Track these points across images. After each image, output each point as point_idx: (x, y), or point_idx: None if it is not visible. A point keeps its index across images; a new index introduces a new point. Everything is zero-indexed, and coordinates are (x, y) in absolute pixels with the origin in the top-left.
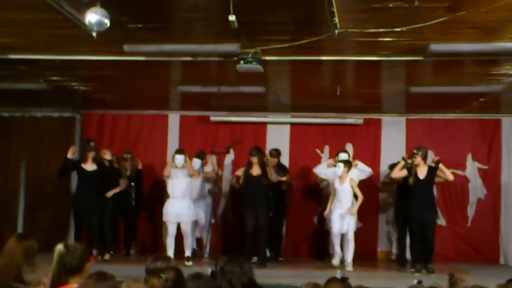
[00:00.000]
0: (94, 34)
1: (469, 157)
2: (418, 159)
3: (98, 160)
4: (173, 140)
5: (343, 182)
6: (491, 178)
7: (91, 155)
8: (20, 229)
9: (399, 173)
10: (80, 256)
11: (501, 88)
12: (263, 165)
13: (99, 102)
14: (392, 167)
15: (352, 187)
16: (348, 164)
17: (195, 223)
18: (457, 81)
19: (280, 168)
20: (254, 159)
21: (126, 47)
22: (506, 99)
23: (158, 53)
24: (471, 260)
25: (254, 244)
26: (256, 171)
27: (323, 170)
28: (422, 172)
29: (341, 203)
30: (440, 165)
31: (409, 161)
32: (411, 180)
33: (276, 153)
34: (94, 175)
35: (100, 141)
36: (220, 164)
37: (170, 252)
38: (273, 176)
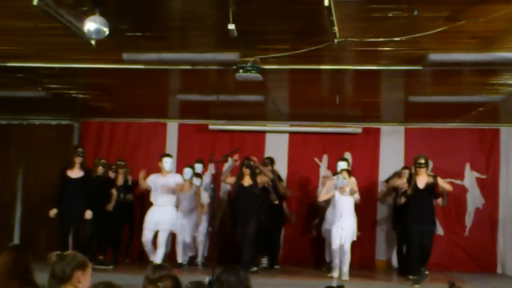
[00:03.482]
0: (93, 42)
1: (467, 166)
2: (423, 170)
3: (85, 167)
4: (171, 148)
5: (344, 191)
6: (489, 187)
7: (78, 161)
8: (17, 237)
9: (400, 181)
10: (68, 264)
11: (499, 98)
12: (254, 177)
13: (98, 110)
14: (388, 180)
15: (352, 195)
16: (349, 173)
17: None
18: (456, 90)
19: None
20: (246, 171)
21: (125, 56)
22: (505, 108)
23: (157, 61)
24: (468, 270)
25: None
26: (247, 182)
27: (326, 196)
28: (421, 181)
29: (341, 214)
30: (438, 179)
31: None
32: (409, 191)
33: (269, 161)
34: (80, 182)
35: (99, 149)
36: (218, 172)
37: (152, 257)
38: (266, 180)
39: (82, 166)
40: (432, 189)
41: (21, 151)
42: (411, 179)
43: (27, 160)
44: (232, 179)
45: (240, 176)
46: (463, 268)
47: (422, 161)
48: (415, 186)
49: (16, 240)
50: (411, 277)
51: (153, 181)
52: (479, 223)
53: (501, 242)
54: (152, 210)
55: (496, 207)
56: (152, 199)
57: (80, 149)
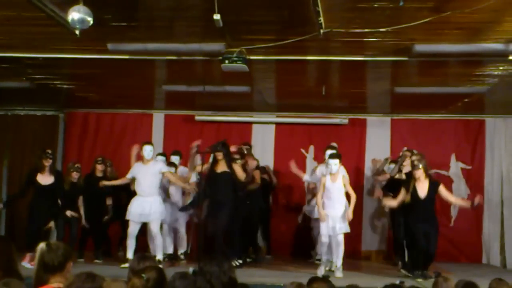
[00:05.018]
0: (77, 32)
1: (453, 157)
2: (420, 172)
3: (56, 171)
4: (157, 139)
5: (336, 179)
6: (474, 178)
7: (47, 163)
8: (2, 228)
9: (399, 200)
10: (62, 255)
11: (485, 89)
12: (229, 162)
13: (83, 101)
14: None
15: (344, 185)
16: (340, 158)
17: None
18: (442, 81)
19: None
20: (220, 155)
21: (110, 46)
22: (490, 99)
23: (142, 51)
24: (453, 260)
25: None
26: (221, 168)
27: (309, 178)
28: (422, 189)
29: (333, 203)
30: (440, 189)
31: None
32: (408, 199)
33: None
34: (50, 189)
35: (84, 140)
36: (203, 163)
37: (130, 254)
38: (241, 175)
39: (52, 170)
40: (433, 197)
41: (6, 142)
42: (408, 184)
43: (12, 151)
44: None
45: (213, 162)
46: (448, 258)
47: (415, 162)
48: (416, 195)
49: (1, 232)
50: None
51: (136, 169)
52: (464, 213)
53: (486, 232)
54: (136, 200)
55: (481, 197)
56: (136, 188)
57: (49, 151)
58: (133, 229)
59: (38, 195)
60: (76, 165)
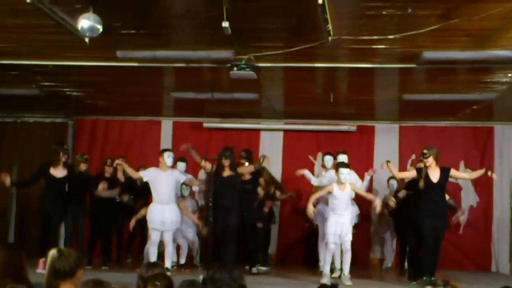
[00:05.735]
0: (86, 40)
1: (461, 164)
2: (430, 160)
3: (69, 165)
4: (165, 146)
5: (344, 188)
6: (483, 186)
7: (63, 158)
8: (11, 235)
9: (407, 173)
10: (74, 261)
11: (493, 96)
12: (234, 169)
13: (92, 108)
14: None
15: (353, 191)
16: (348, 166)
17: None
18: (450, 88)
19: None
20: (226, 162)
21: (119, 53)
22: (499, 107)
23: (151, 59)
24: (462, 267)
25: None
26: (227, 173)
27: (316, 181)
28: (434, 175)
29: (339, 211)
30: (452, 172)
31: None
32: (421, 184)
33: (246, 154)
34: (63, 181)
35: (93, 147)
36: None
37: (168, 263)
38: (248, 170)
39: (66, 164)
40: (445, 183)
41: (15, 149)
42: (420, 172)
43: (21, 158)
44: (208, 165)
45: (220, 168)
46: (457, 266)
47: (425, 151)
48: (428, 179)
49: (11, 239)
50: (425, 278)
51: (153, 175)
52: (473, 221)
53: (495, 240)
54: (155, 208)
55: (490, 205)
56: (154, 195)
57: (66, 146)
58: (156, 237)
59: (51, 188)
60: (84, 157)
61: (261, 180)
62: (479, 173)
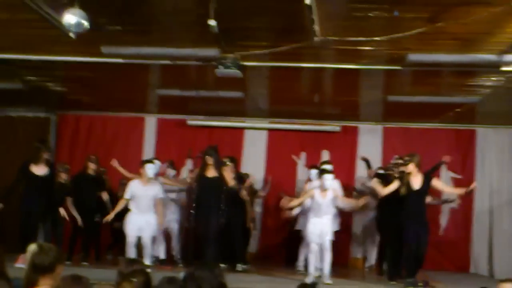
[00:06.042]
0: (72, 35)
1: (443, 166)
2: (411, 167)
3: (50, 163)
4: (149, 143)
5: (326, 194)
6: (464, 188)
7: (45, 156)
8: None
9: (391, 187)
10: (54, 257)
11: (477, 99)
12: (219, 168)
13: (76, 103)
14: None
15: (336, 198)
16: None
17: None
18: (434, 91)
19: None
20: (210, 160)
21: (104, 49)
22: (482, 110)
23: (136, 55)
24: (442, 269)
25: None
26: (211, 173)
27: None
28: (416, 182)
29: (320, 214)
30: (434, 183)
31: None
32: (403, 190)
33: (230, 160)
34: (44, 179)
35: (76, 142)
36: (195, 168)
37: (148, 261)
38: (229, 180)
39: (48, 162)
40: (427, 190)
41: None
42: (402, 178)
43: (3, 152)
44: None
45: (203, 167)
46: (437, 267)
47: (407, 157)
48: (409, 186)
49: None
50: (408, 280)
51: (134, 189)
52: (453, 222)
53: (475, 241)
54: (133, 217)
55: (470, 207)
56: (131, 207)
57: (49, 144)
58: (132, 241)
59: (32, 185)
60: (65, 166)
61: (245, 185)
62: (460, 191)
